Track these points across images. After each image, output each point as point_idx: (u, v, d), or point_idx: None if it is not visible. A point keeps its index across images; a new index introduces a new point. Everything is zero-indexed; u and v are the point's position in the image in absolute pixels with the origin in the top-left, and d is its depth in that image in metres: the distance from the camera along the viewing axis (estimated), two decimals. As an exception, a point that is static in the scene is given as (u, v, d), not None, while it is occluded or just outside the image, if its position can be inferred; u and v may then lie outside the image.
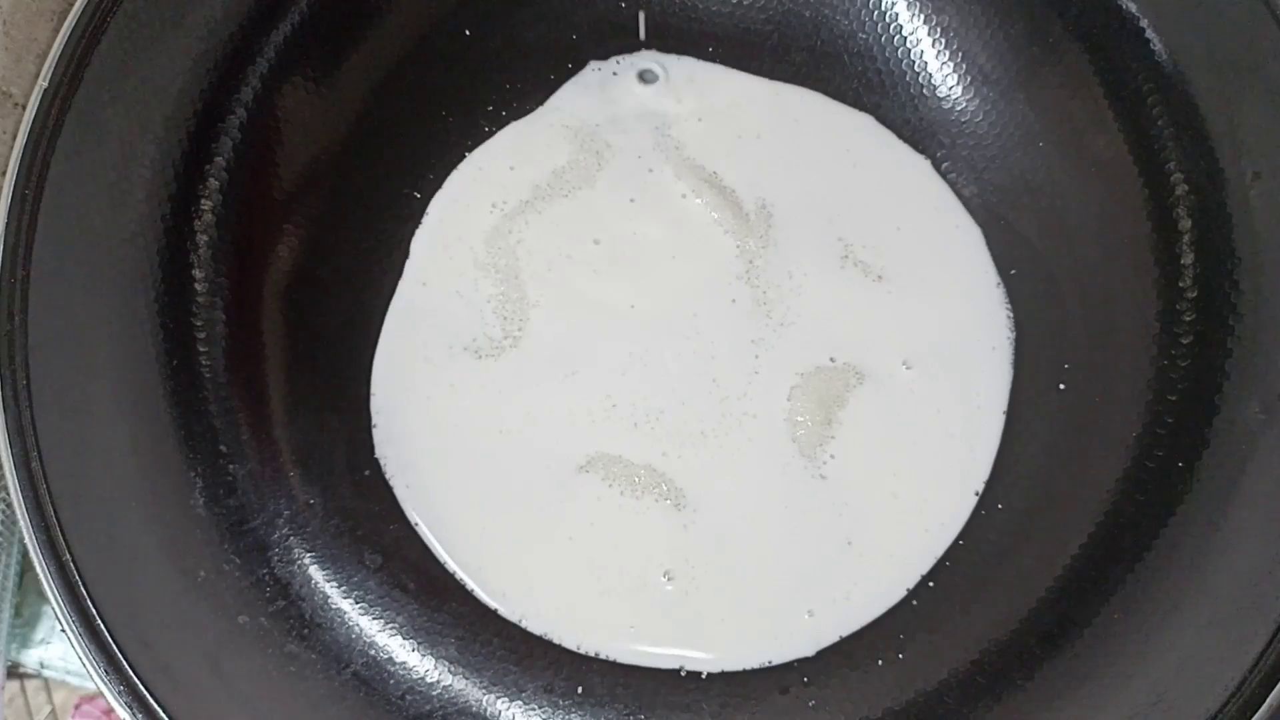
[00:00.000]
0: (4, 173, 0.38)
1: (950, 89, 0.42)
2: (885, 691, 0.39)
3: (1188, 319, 0.38)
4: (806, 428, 0.41)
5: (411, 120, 0.42)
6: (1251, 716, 0.34)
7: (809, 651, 0.40)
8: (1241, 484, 0.36)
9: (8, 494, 0.36)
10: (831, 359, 0.41)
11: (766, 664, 0.40)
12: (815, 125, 0.43)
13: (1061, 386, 0.40)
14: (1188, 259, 0.39)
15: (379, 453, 0.41)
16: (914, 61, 0.42)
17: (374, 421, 0.42)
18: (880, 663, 0.39)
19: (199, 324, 0.39)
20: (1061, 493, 0.39)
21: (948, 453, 0.41)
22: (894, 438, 0.41)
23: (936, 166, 0.42)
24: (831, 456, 0.41)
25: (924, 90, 0.42)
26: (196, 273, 0.39)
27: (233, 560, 0.38)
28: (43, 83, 0.37)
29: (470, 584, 0.41)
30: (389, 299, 0.42)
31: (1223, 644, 0.35)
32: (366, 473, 0.41)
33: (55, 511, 0.35)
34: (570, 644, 0.40)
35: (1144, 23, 0.38)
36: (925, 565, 0.40)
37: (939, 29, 0.42)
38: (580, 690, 0.40)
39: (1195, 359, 0.38)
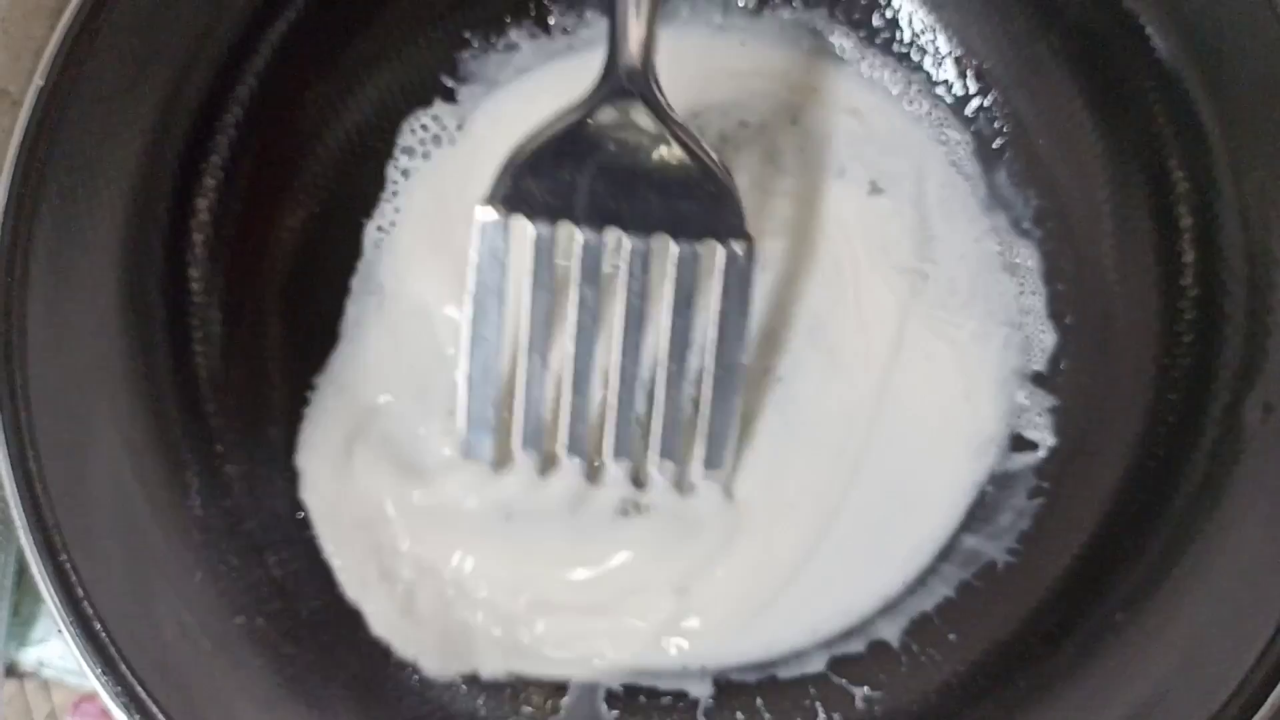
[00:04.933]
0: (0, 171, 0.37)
1: (950, 87, 0.42)
2: (886, 690, 0.39)
3: (1189, 317, 0.38)
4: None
5: (410, 118, 0.42)
6: (1253, 716, 0.33)
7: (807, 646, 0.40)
8: (1242, 483, 0.36)
9: (4, 494, 0.36)
10: (826, 361, 0.41)
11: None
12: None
13: (1062, 385, 0.40)
14: (1189, 256, 0.38)
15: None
16: (914, 59, 0.42)
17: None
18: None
19: (195, 323, 0.39)
20: (1062, 492, 0.39)
21: (947, 452, 0.40)
22: (892, 436, 0.41)
23: (935, 164, 0.42)
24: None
25: (924, 88, 0.42)
26: (193, 272, 0.40)
27: (229, 561, 0.38)
28: (39, 81, 0.37)
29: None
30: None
31: (1224, 643, 0.34)
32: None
33: (52, 512, 0.35)
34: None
35: (1143, 20, 0.38)
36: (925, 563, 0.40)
37: (939, 26, 0.42)
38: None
39: (1196, 357, 0.38)
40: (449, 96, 0.43)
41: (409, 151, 0.42)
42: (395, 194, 0.42)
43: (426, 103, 0.42)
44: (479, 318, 0.37)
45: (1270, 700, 0.33)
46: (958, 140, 0.42)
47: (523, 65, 0.43)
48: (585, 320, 0.37)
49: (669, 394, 0.38)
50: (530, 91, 0.43)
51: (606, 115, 0.37)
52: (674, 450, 0.39)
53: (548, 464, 0.39)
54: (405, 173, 0.42)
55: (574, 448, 0.39)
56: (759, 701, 0.39)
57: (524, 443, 0.39)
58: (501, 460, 0.39)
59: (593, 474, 0.39)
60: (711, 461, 0.39)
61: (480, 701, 0.39)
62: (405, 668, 0.39)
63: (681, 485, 0.40)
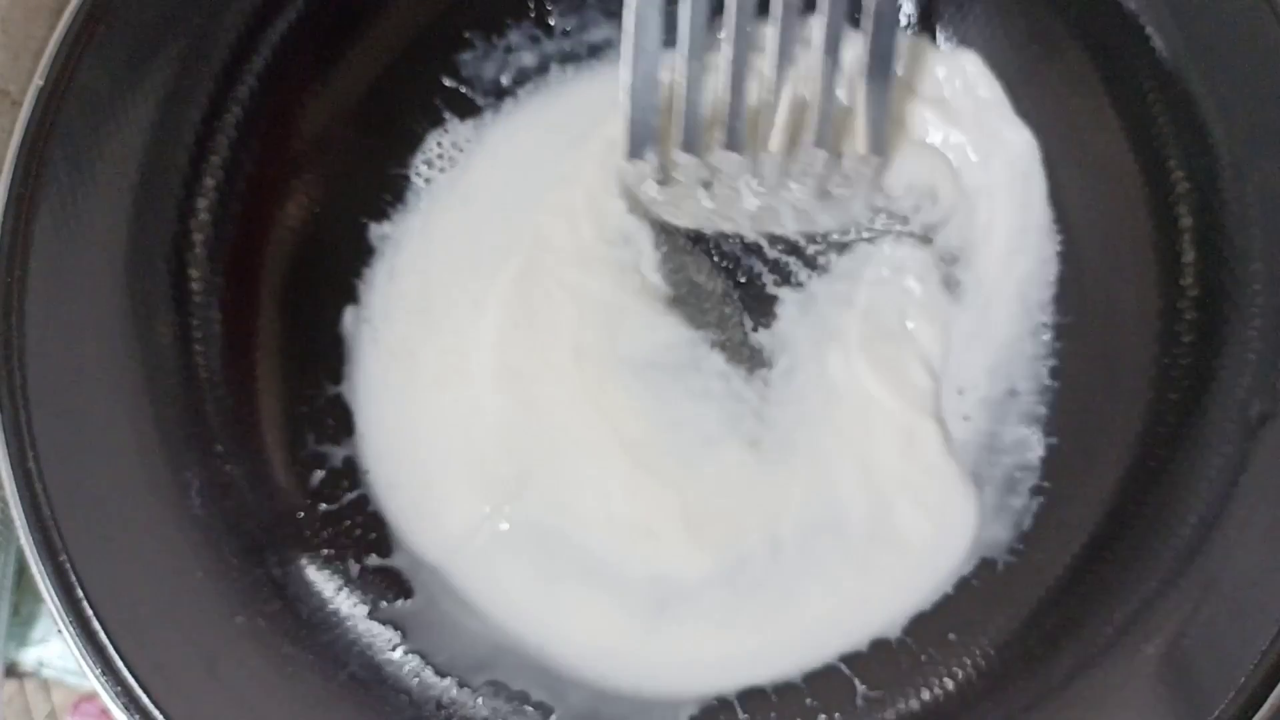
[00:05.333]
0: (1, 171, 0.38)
1: (951, 87, 0.42)
2: (885, 690, 0.39)
3: (1189, 317, 0.38)
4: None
5: (410, 118, 0.42)
6: (1252, 716, 0.33)
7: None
8: (1242, 483, 0.36)
9: (4, 494, 0.36)
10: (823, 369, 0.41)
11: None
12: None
13: (1061, 385, 0.40)
14: (1189, 256, 0.38)
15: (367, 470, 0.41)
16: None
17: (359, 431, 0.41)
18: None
19: (195, 323, 0.40)
20: (1062, 493, 0.39)
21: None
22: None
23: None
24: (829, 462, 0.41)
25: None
26: (192, 272, 0.40)
27: (229, 561, 0.38)
28: (39, 81, 0.37)
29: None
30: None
31: (1224, 643, 0.35)
32: (364, 473, 0.41)
33: (52, 512, 0.35)
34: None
35: (1144, 20, 0.38)
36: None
37: (937, 28, 0.42)
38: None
39: (1196, 357, 0.38)
40: (450, 98, 0.43)
41: (429, 162, 0.42)
42: (404, 197, 0.42)
43: (426, 103, 0.42)
44: (640, 29, 0.39)
45: (1270, 700, 0.33)
46: (955, 142, 0.42)
47: (525, 68, 0.43)
48: (743, 23, 0.39)
49: (825, 85, 0.40)
50: (541, 100, 0.43)
51: None
52: (828, 139, 0.40)
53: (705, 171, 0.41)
54: (428, 181, 0.42)
55: (732, 143, 0.40)
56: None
57: (684, 145, 0.40)
58: (664, 171, 0.41)
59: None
60: (875, 148, 0.40)
61: (480, 701, 0.39)
62: (405, 667, 0.39)
63: (832, 177, 0.41)
